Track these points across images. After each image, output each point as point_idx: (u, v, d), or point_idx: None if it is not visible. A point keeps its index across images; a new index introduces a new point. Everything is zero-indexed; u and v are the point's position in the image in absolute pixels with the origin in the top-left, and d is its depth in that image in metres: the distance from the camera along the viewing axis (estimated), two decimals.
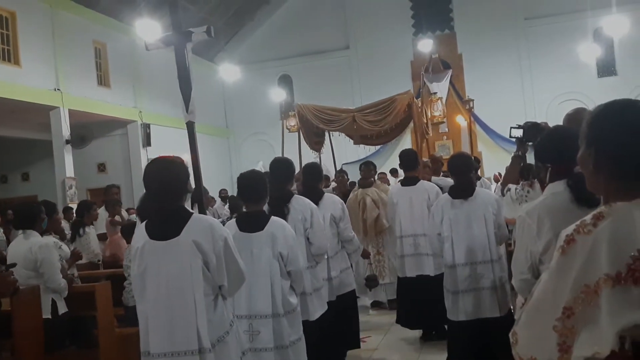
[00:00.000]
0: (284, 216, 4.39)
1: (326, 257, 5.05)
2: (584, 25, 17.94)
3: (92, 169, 16.02)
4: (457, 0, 19.84)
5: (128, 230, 6.26)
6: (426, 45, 18.48)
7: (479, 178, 9.02)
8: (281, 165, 4.85)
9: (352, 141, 11.27)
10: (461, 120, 17.19)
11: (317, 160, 11.16)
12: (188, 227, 2.96)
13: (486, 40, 18.97)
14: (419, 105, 10.45)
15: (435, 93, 11.01)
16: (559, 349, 1.46)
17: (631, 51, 17.94)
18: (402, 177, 6.82)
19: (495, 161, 16.05)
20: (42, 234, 5.13)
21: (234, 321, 3.14)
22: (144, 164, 15.79)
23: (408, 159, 6.45)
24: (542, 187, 2.79)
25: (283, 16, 20.97)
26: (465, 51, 19.40)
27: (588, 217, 1.52)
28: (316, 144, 11.43)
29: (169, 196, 3.01)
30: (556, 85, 18.35)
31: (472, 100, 15.53)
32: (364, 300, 7.95)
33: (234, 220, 3.96)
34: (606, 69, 18.88)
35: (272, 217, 3.90)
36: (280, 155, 4.76)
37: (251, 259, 3.71)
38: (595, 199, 2.54)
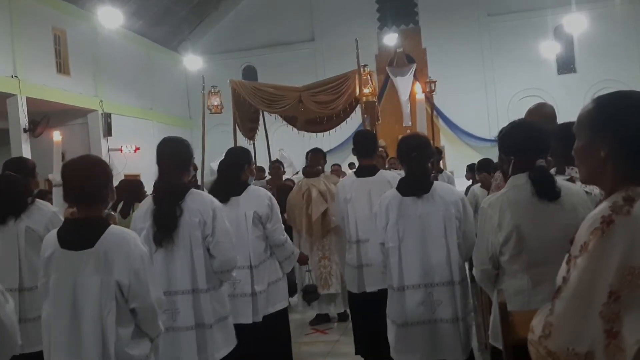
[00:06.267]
0: (174, 219, 3.34)
1: (249, 266, 4.09)
2: (544, 22, 18.31)
3: (50, 159, 15.58)
4: None
5: None
6: (391, 39, 18.60)
7: (440, 171, 8.18)
8: (172, 148, 3.49)
9: (314, 133, 9.98)
10: (418, 90, 15.79)
11: (283, 154, 10.59)
12: None
13: (450, 36, 19.15)
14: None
15: (366, 65, 9.69)
16: (607, 335, 1.37)
17: (590, 49, 18.34)
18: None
19: (458, 156, 16.23)
20: None
21: None
22: (104, 154, 15.53)
23: (364, 142, 4.84)
24: (505, 179, 2.84)
25: (248, 6, 20.80)
26: (429, 46, 19.55)
27: (618, 199, 1.46)
28: (250, 131, 9.67)
29: None
30: (517, 81, 18.67)
31: (435, 81, 15.08)
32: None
33: (54, 231, 2.68)
34: (566, 66, 19.27)
35: (111, 226, 2.62)
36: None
37: (73, 291, 2.54)
38: (555, 193, 2.61)
